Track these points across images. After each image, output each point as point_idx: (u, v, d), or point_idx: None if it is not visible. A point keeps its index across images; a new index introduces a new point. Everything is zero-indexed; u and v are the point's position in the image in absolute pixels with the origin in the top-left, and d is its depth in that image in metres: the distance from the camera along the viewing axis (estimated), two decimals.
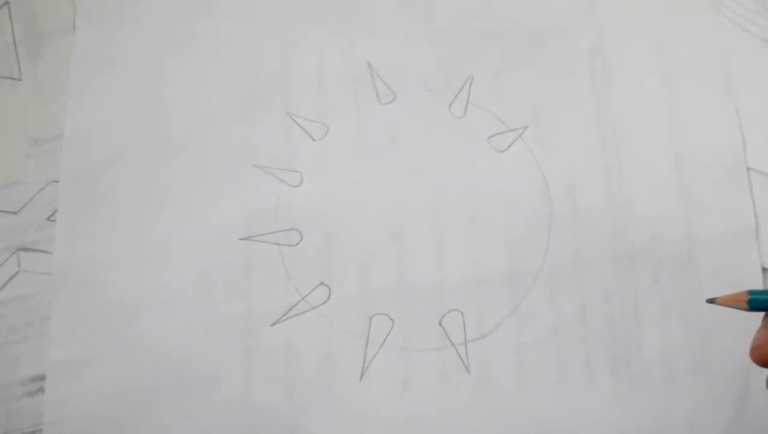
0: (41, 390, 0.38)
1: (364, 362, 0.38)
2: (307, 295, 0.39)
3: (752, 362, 0.27)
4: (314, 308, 0.39)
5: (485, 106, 0.41)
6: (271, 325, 0.39)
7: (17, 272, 0.40)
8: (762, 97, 0.41)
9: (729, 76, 0.41)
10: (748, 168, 0.40)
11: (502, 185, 0.40)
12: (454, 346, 0.38)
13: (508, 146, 0.41)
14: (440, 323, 0.39)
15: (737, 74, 0.42)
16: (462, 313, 0.39)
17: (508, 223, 0.40)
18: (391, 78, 0.42)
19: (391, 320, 0.39)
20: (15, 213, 0.41)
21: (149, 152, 0.41)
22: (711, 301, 0.30)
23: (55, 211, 0.40)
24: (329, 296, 0.39)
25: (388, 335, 0.38)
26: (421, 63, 0.42)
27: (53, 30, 0.43)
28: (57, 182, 0.41)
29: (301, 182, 0.41)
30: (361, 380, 0.38)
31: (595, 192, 0.40)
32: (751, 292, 0.29)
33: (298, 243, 0.40)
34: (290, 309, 0.39)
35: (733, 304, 0.29)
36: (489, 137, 0.41)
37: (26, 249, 0.40)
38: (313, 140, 0.41)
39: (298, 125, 0.41)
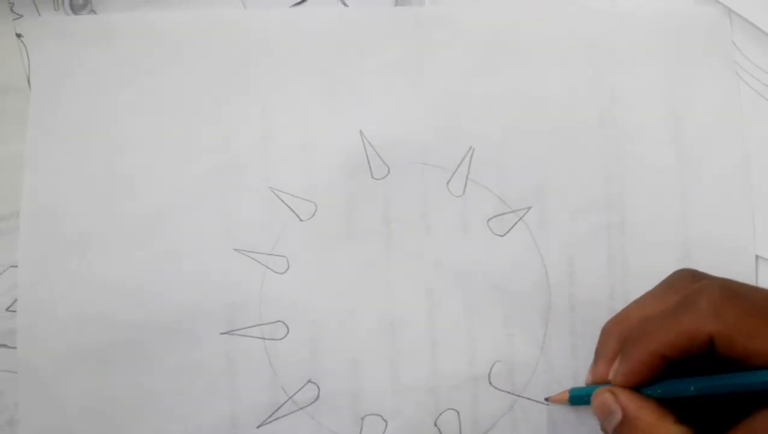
0: None
1: None
2: (294, 394, 0.37)
3: None
4: (302, 408, 0.37)
5: (485, 184, 0.38)
6: (257, 427, 0.37)
7: None
8: None
9: (746, 154, 0.39)
10: (756, 256, 0.38)
11: (500, 273, 0.38)
12: None
13: (508, 230, 0.38)
14: (435, 424, 0.37)
15: (754, 147, 0.39)
16: (458, 412, 0.37)
17: (505, 315, 0.38)
18: (384, 149, 0.39)
19: (384, 421, 0.37)
20: None
21: (117, 233, 0.37)
22: (547, 400, 0.37)
23: (15, 300, 0.37)
24: (318, 396, 0.37)
25: None
26: (418, 132, 0.39)
27: (7, 87, 0.39)
28: (16, 267, 0.37)
29: (287, 268, 0.38)
30: None
31: (595, 283, 0.38)
32: (572, 390, 0.35)
33: (284, 337, 0.37)
34: (277, 410, 0.37)
35: (559, 401, 0.36)
36: (488, 220, 0.38)
37: None
38: (300, 220, 0.38)
39: (284, 202, 0.38)
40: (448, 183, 0.38)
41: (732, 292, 0.30)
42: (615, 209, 0.38)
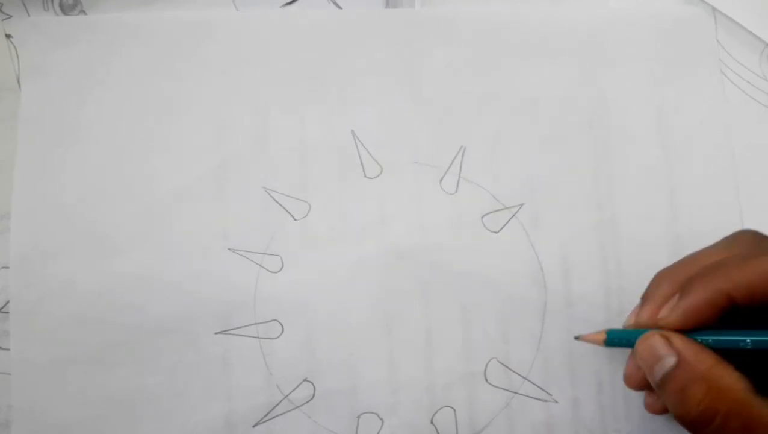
0: None
1: None
2: (290, 393, 0.37)
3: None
4: (298, 407, 0.37)
5: (478, 182, 0.39)
6: (253, 426, 0.36)
7: None
8: (764, 169, 0.40)
9: (732, 151, 0.39)
10: None
11: (495, 270, 0.38)
12: None
13: (502, 227, 0.38)
14: (432, 421, 0.37)
15: (740, 145, 0.40)
16: (454, 410, 0.37)
17: (500, 312, 0.38)
18: (377, 148, 0.39)
19: (380, 419, 0.37)
20: None
21: (110, 234, 0.37)
22: (577, 338, 0.34)
23: (7, 302, 0.37)
24: (313, 394, 0.37)
25: None
26: (410, 132, 0.39)
27: None
28: (7, 268, 0.37)
29: (282, 268, 0.38)
30: None
31: (590, 278, 0.38)
32: (609, 332, 0.33)
33: (279, 336, 0.37)
34: (272, 409, 0.37)
35: (593, 341, 0.33)
36: (482, 217, 0.38)
37: None
38: (294, 219, 0.38)
39: (277, 202, 0.38)
40: (440, 181, 0.39)
41: None
42: (606, 207, 0.39)
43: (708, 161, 0.39)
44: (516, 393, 0.37)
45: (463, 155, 0.39)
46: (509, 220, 0.38)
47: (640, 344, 0.30)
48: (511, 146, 0.39)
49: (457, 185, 0.39)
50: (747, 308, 0.29)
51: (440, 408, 0.37)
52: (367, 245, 0.38)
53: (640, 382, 0.32)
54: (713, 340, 0.29)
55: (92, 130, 0.38)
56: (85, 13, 0.39)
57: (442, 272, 0.38)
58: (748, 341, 0.29)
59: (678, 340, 0.29)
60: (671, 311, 0.30)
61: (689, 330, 0.30)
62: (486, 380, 0.37)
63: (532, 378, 0.37)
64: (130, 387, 0.36)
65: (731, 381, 0.28)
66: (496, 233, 0.38)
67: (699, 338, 0.30)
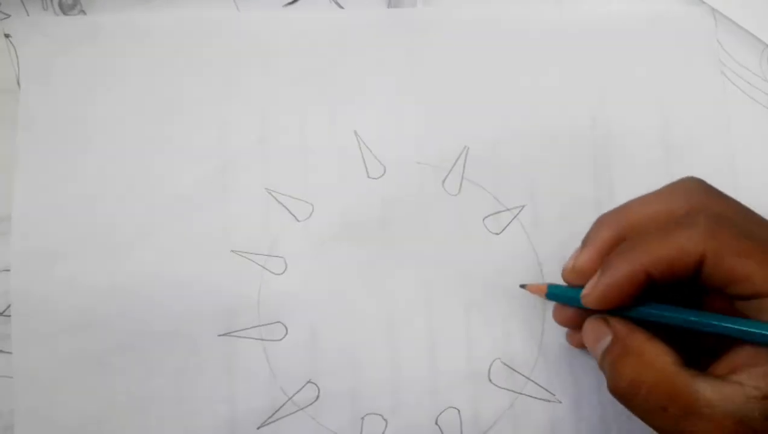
0: None
1: None
2: (294, 395, 0.37)
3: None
4: (302, 409, 0.37)
5: (480, 183, 0.39)
6: (257, 428, 0.36)
7: None
8: (763, 169, 0.40)
9: (732, 151, 0.40)
10: None
11: (496, 271, 0.38)
12: None
13: (504, 228, 0.38)
14: (437, 422, 0.37)
15: (740, 145, 0.40)
16: (458, 410, 0.37)
17: (502, 312, 0.38)
18: (379, 149, 0.39)
19: (385, 420, 0.37)
20: None
21: (112, 236, 0.37)
22: (522, 286, 0.36)
23: (9, 306, 0.36)
24: (318, 396, 0.37)
25: None
26: (412, 132, 0.39)
27: None
28: (8, 271, 0.36)
29: (285, 269, 0.38)
30: None
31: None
32: (549, 286, 0.35)
33: (282, 338, 0.37)
34: (276, 411, 0.37)
35: (536, 292, 0.36)
36: (484, 218, 0.38)
37: None
38: (297, 220, 0.38)
39: (280, 203, 0.38)
40: (443, 182, 0.39)
41: (729, 216, 0.30)
42: (606, 207, 0.39)
43: (708, 161, 0.40)
44: (520, 393, 0.37)
45: (466, 156, 0.39)
46: (510, 222, 0.38)
47: (586, 325, 0.33)
48: (512, 146, 0.39)
49: (460, 186, 0.39)
50: (665, 283, 0.30)
51: (445, 409, 0.37)
52: (370, 247, 0.38)
53: (565, 320, 0.35)
54: (638, 313, 0.31)
55: (93, 131, 0.38)
56: (85, 13, 0.39)
57: (444, 273, 0.38)
58: (669, 315, 0.31)
59: (614, 320, 0.31)
60: (592, 289, 0.31)
61: (615, 303, 0.31)
62: (490, 380, 0.37)
63: (535, 378, 0.37)
64: (134, 391, 0.36)
65: (657, 354, 0.29)
66: (497, 234, 0.38)
67: (628, 313, 0.31)
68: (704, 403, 0.28)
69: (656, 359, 0.29)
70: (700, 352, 0.31)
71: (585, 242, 0.33)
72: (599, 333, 0.32)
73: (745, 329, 0.29)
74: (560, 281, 0.39)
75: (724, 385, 0.28)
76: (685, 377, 0.29)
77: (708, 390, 0.28)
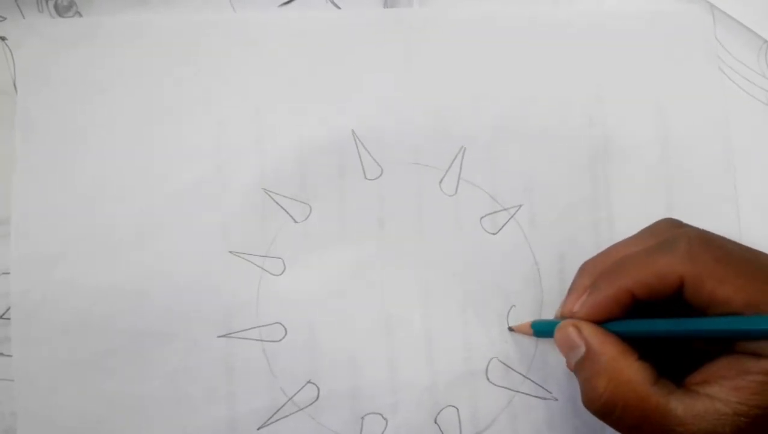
0: None
1: None
2: (294, 395, 0.37)
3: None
4: (302, 409, 0.37)
5: (477, 183, 0.39)
6: (258, 429, 0.37)
7: None
8: (762, 167, 0.40)
9: (731, 148, 0.40)
10: None
11: (493, 270, 0.38)
12: None
13: (501, 228, 0.39)
14: (436, 421, 0.37)
15: (739, 142, 0.40)
16: (457, 409, 0.37)
17: (499, 312, 0.38)
18: (377, 149, 0.39)
19: (384, 419, 0.37)
20: None
21: (110, 238, 0.37)
22: (511, 329, 0.37)
23: (8, 308, 0.36)
24: (318, 396, 0.37)
25: None
26: (409, 132, 0.39)
27: None
28: (7, 274, 0.37)
29: (284, 270, 0.38)
30: None
31: None
32: (533, 323, 0.36)
33: (282, 338, 0.37)
34: (276, 411, 0.37)
35: (524, 332, 0.37)
36: (481, 218, 0.39)
37: None
38: (295, 221, 0.38)
39: (278, 204, 0.38)
40: (440, 183, 0.39)
41: (708, 240, 0.31)
42: (603, 206, 0.39)
43: (706, 159, 0.40)
44: (517, 391, 0.38)
45: (463, 156, 0.39)
46: (507, 221, 0.39)
47: (557, 333, 0.33)
48: (509, 146, 0.39)
49: (457, 187, 0.39)
50: (647, 302, 0.31)
51: (443, 408, 0.37)
52: (368, 247, 0.38)
53: None
54: (623, 328, 0.31)
55: (90, 132, 0.38)
56: (81, 15, 0.39)
57: (441, 273, 0.38)
58: (654, 328, 0.31)
59: (587, 329, 0.32)
60: (581, 307, 0.32)
61: (603, 320, 0.32)
62: (488, 379, 0.38)
63: (532, 376, 0.38)
64: (133, 392, 0.36)
65: (631, 372, 0.30)
66: (494, 234, 0.38)
67: (610, 326, 0.32)
68: (677, 422, 0.29)
69: (631, 378, 0.30)
70: (681, 360, 0.31)
71: (569, 290, 0.34)
72: (571, 343, 0.32)
73: (707, 328, 0.30)
74: (558, 279, 0.39)
75: (696, 402, 0.29)
76: (658, 397, 0.29)
77: (680, 409, 0.29)
